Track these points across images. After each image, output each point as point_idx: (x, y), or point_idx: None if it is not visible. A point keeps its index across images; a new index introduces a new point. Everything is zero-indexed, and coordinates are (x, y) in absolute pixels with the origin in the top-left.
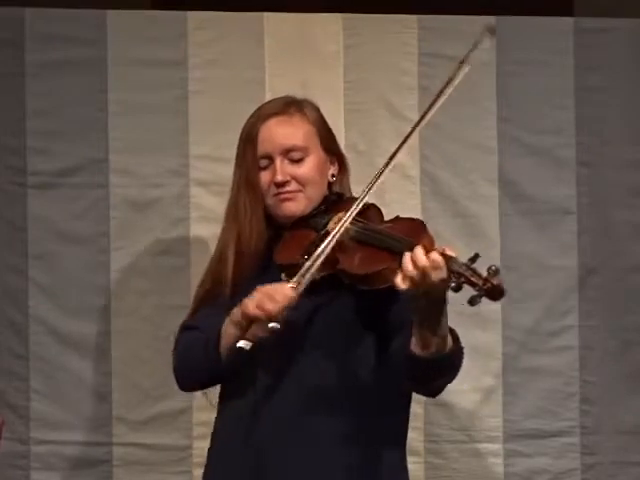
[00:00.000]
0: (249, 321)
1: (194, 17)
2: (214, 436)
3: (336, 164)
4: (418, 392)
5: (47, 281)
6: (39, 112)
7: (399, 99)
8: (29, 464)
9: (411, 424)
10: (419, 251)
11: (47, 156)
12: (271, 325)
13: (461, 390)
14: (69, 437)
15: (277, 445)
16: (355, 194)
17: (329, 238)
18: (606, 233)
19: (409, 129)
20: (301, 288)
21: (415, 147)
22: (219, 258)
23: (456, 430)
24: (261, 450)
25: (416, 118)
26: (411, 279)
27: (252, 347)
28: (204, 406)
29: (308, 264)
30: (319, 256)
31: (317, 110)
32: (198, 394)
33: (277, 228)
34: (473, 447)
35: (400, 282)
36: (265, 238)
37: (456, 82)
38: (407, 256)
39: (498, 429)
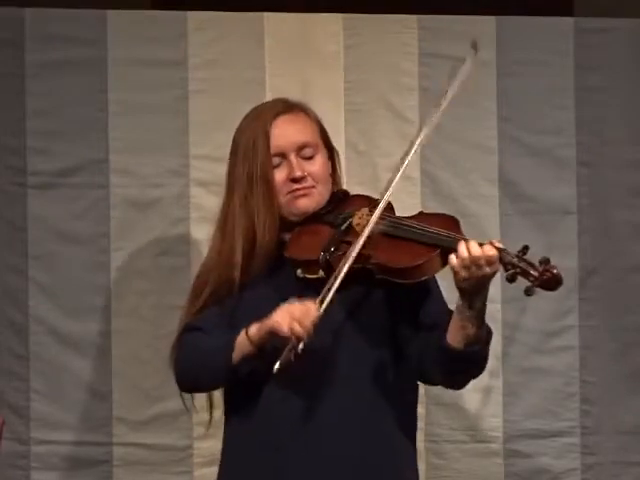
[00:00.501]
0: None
1: (194, 17)
2: (232, 436)
3: (330, 162)
4: (444, 385)
5: (47, 281)
6: (39, 112)
7: (399, 99)
8: (29, 464)
9: None
10: (472, 242)
11: (47, 156)
12: (300, 347)
13: (461, 390)
14: (69, 437)
15: (301, 440)
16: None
17: (362, 235)
18: (606, 233)
19: (409, 129)
20: (327, 301)
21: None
22: (225, 257)
23: (456, 430)
24: (281, 443)
25: (416, 118)
26: (466, 267)
27: (283, 369)
28: (204, 406)
29: (340, 266)
30: (348, 259)
31: (313, 110)
32: (198, 394)
33: (284, 227)
34: (473, 447)
35: (454, 263)
36: (277, 237)
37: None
38: (462, 245)
39: (498, 429)
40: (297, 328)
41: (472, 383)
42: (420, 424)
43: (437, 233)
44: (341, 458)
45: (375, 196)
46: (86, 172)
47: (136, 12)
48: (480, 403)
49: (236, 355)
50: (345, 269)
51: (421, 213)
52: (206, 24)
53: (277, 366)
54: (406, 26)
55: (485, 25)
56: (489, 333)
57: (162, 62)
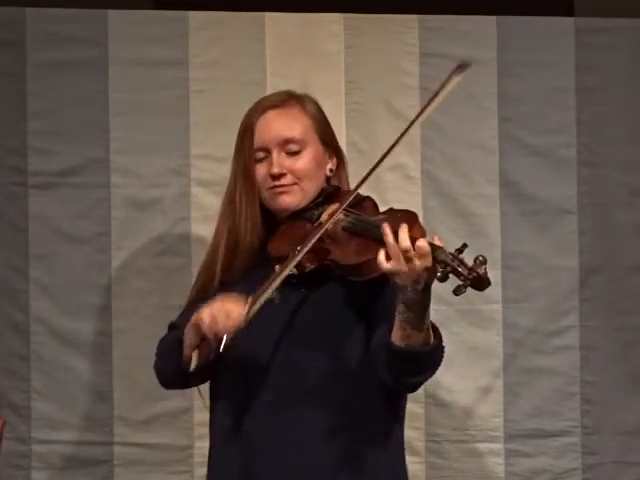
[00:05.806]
0: (201, 334)
1: (195, 17)
2: (210, 433)
3: (334, 159)
4: (391, 385)
5: (48, 281)
6: (40, 112)
7: (400, 99)
8: (30, 464)
9: (411, 424)
10: (402, 229)
11: (48, 156)
12: (221, 347)
13: (461, 390)
14: (70, 437)
15: (268, 435)
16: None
17: (317, 232)
18: (606, 233)
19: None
20: (256, 308)
21: (416, 147)
22: (211, 252)
23: (457, 430)
24: (252, 440)
25: None
26: (395, 258)
27: (200, 367)
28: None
29: (276, 273)
30: (287, 265)
31: (316, 104)
32: (198, 394)
33: (273, 224)
34: (474, 447)
35: (383, 260)
36: (260, 231)
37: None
38: (393, 233)
39: (499, 429)
40: (218, 328)
41: (472, 383)
42: (420, 424)
43: (371, 224)
44: (310, 448)
45: (373, 195)
46: (87, 172)
47: (137, 12)
48: (480, 403)
49: (185, 346)
50: (284, 274)
51: (390, 209)
52: (207, 24)
53: (192, 367)
54: (407, 26)
55: (485, 25)
56: (437, 336)
57: (163, 62)
